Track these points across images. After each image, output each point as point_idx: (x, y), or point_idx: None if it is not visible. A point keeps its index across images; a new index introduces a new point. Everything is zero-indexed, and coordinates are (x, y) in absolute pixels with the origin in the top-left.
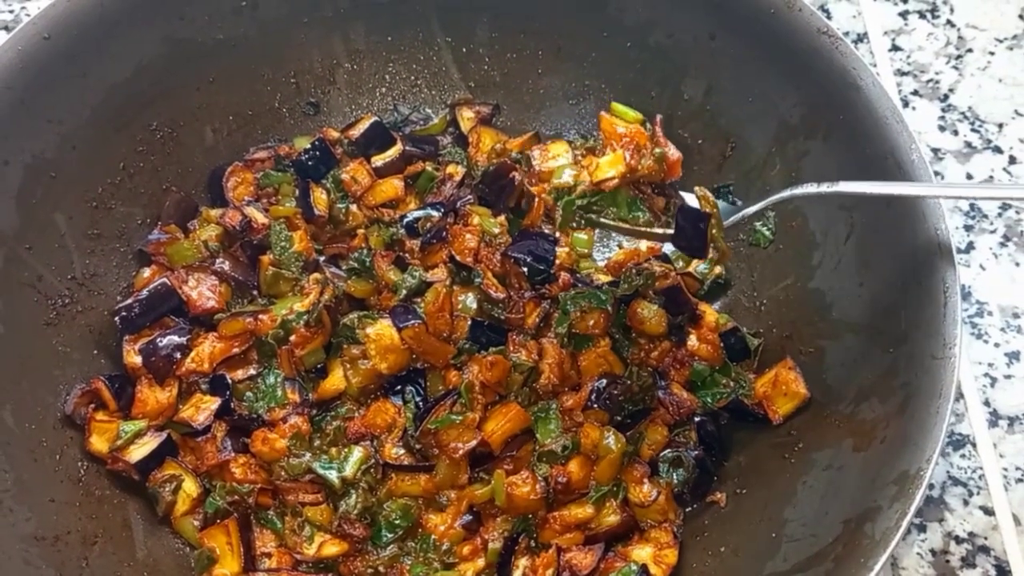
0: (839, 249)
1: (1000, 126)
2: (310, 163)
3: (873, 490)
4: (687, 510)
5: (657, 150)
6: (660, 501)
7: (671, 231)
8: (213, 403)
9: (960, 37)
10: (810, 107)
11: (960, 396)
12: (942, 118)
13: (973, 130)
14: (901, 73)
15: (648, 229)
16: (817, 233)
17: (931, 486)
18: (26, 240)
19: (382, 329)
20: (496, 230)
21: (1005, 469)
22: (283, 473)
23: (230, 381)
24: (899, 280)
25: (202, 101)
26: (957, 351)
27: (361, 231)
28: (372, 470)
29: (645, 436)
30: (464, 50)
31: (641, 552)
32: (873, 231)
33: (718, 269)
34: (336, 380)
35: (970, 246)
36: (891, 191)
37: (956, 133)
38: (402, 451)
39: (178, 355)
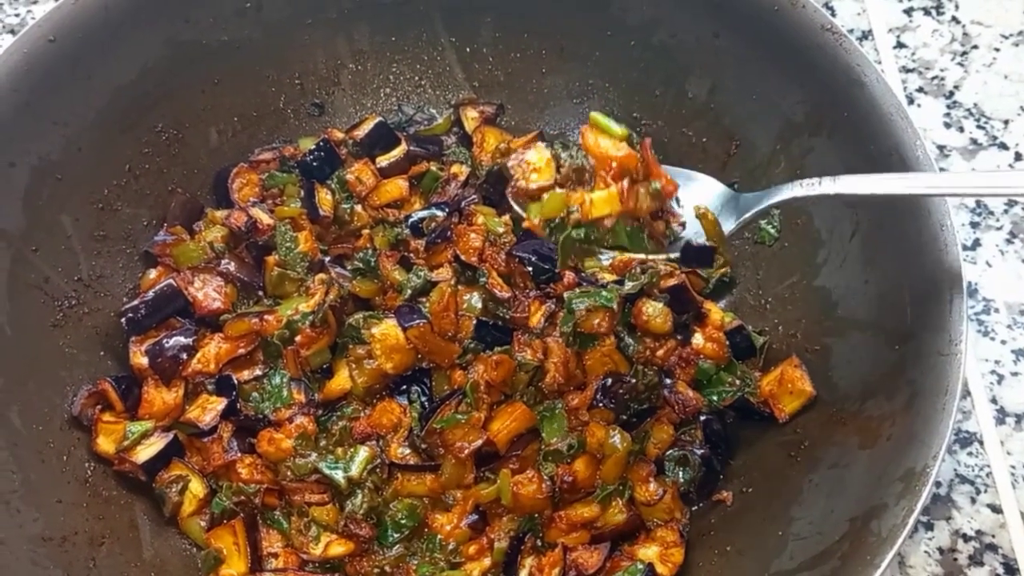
0: (844, 246)
1: (1006, 122)
2: (315, 164)
3: (879, 488)
4: (693, 509)
5: (654, 185)
6: (666, 500)
7: (675, 255)
8: (219, 404)
9: (965, 33)
10: (814, 104)
11: (967, 393)
12: (947, 115)
13: (979, 127)
14: (906, 70)
15: (653, 256)
16: (822, 231)
17: (938, 484)
18: (33, 242)
19: (387, 329)
20: (501, 229)
21: (1013, 467)
22: (289, 473)
23: (236, 382)
24: (905, 277)
25: (207, 103)
26: (963, 347)
27: (366, 231)
28: (378, 470)
29: (651, 435)
30: (468, 50)
31: (647, 551)
32: (878, 228)
33: (723, 268)
34: (342, 380)
35: (976, 243)
36: (891, 190)
37: (962, 130)
38: (408, 451)
39: (184, 356)
